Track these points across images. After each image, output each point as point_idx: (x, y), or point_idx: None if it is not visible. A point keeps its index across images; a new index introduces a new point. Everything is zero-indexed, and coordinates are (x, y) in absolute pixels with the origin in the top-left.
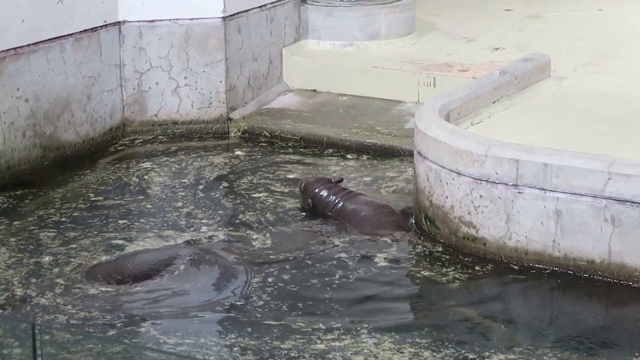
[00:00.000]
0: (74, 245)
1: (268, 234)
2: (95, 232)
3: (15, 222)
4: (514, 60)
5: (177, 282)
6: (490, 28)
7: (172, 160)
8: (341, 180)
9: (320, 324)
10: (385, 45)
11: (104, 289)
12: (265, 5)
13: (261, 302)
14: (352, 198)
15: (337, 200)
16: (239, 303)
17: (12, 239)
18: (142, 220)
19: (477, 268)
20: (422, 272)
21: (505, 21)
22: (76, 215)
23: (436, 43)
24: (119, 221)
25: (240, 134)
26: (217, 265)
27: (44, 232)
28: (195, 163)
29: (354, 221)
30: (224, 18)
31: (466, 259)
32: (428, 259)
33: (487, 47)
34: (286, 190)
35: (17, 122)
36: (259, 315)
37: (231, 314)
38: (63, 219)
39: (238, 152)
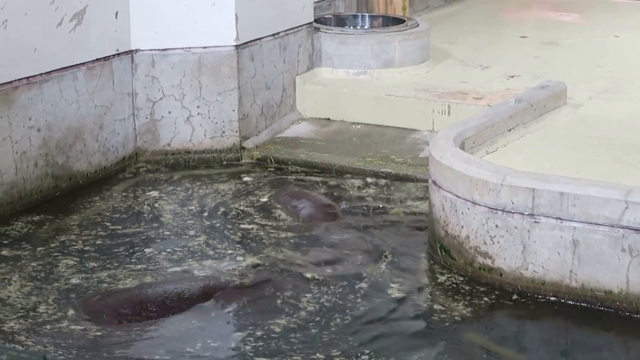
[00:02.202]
0: (100, 274)
1: (280, 261)
2: (120, 261)
3: (38, 248)
4: (530, 88)
5: (174, 322)
6: (506, 55)
7: (186, 188)
8: None
9: (319, 354)
10: (399, 73)
11: (89, 326)
12: (278, 33)
13: (257, 337)
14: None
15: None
16: (227, 345)
17: (34, 264)
18: (162, 249)
19: (492, 299)
20: (434, 303)
21: (521, 48)
22: (99, 243)
23: (451, 71)
24: (144, 250)
25: (253, 163)
26: (217, 302)
27: (67, 258)
28: (209, 191)
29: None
30: (237, 46)
31: (482, 289)
32: (442, 290)
33: (502, 75)
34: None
35: (29, 151)
36: (250, 353)
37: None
38: (86, 248)
39: (246, 178)
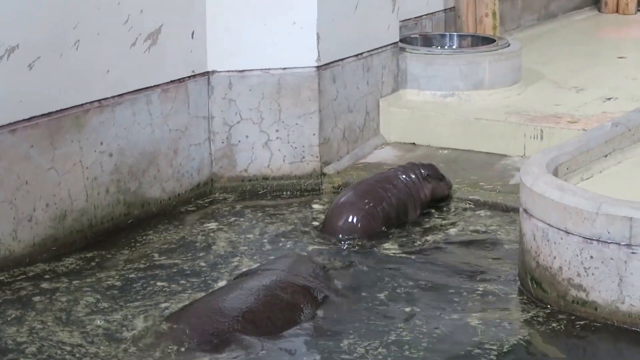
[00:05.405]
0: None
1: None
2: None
3: (74, 282)
4: (628, 111)
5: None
6: (602, 77)
7: (262, 216)
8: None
9: None
10: (489, 95)
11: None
12: (361, 53)
13: None
14: None
15: None
16: None
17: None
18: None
19: (587, 334)
20: (527, 337)
21: (618, 70)
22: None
23: (544, 93)
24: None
25: (334, 190)
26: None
27: (94, 295)
28: (285, 219)
29: None
30: (318, 67)
31: (575, 324)
32: (534, 324)
33: (598, 97)
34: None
35: (100, 177)
36: None
37: None
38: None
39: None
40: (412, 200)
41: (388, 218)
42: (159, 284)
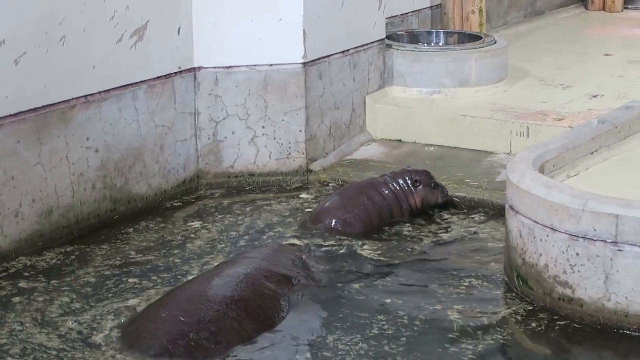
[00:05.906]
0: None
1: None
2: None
3: (52, 281)
4: (614, 109)
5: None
6: (588, 74)
7: (246, 212)
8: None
9: None
10: (475, 92)
11: None
12: (348, 50)
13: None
14: None
15: None
16: None
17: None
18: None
19: (572, 331)
20: (511, 335)
21: (604, 67)
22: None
23: (530, 90)
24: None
25: (320, 186)
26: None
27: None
28: (272, 215)
29: None
30: (305, 64)
31: (561, 321)
32: (519, 321)
33: (584, 95)
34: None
35: (86, 173)
36: None
37: None
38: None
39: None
40: (399, 207)
41: (369, 226)
42: (133, 279)
